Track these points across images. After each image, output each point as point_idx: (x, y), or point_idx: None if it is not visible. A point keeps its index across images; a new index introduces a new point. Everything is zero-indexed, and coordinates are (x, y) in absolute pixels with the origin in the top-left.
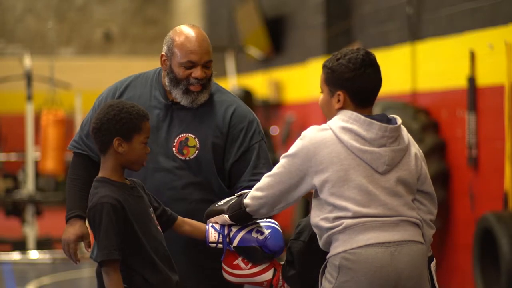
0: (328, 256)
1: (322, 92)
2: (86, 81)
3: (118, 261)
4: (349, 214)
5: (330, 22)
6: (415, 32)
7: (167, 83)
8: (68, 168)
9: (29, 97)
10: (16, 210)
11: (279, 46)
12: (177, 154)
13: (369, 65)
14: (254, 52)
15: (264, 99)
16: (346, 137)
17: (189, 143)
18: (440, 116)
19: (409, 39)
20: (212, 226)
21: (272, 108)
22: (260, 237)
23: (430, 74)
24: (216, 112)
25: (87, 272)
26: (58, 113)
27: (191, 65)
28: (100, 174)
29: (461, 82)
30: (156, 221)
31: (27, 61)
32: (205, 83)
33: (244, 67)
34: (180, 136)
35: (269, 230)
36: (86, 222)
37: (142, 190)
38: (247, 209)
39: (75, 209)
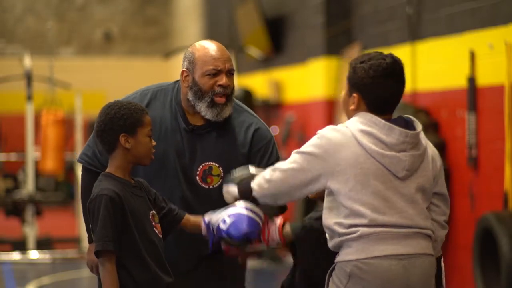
0: (337, 260)
1: (344, 88)
2: (86, 81)
3: (114, 253)
4: (365, 221)
5: (330, 22)
6: (415, 32)
7: (190, 98)
8: (80, 183)
9: (29, 97)
10: (16, 210)
11: (279, 46)
12: (200, 183)
13: (390, 74)
14: (254, 52)
15: (264, 99)
16: (365, 140)
17: (213, 172)
18: (440, 116)
19: (409, 39)
20: (204, 220)
21: (272, 108)
22: (223, 227)
23: (430, 74)
24: (237, 135)
25: (87, 272)
26: (58, 113)
27: (215, 72)
28: (106, 170)
29: (461, 82)
30: (156, 225)
31: (27, 61)
32: (229, 94)
33: (244, 67)
34: (203, 164)
35: (231, 219)
36: None
37: (146, 191)
38: (253, 193)
39: None
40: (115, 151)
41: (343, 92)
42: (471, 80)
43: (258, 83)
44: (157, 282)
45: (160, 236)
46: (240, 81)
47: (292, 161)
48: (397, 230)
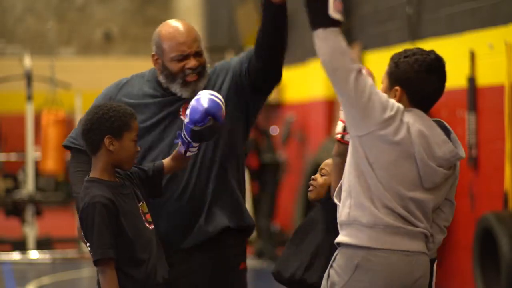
0: (343, 241)
1: (382, 83)
2: (86, 81)
3: (113, 260)
4: (388, 203)
5: None
6: (415, 32)
7: (163, 80)
8: (69, 166)
9: (29, 97)
10: (16, 210)
11: None
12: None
13: (434, 71)
14: None
15: None
16: (418, 142)
17: None
18: (440, 116)
19: (409, 39)
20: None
21: (272, 108)
22: (186, 120)
23: None
24: (218, 80)
25: (87, 272)
26: (59, 113)
27: (182, 57)
28: (91, 175)
29: (461, 82)
30: (146, 216)
31: (27, 61)
32: (201, 71)
33: None
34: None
35: (189, 108)
36: None
37: (128, 178)
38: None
39: None
40: (99, 152)
41: (381, 86)
42: (471, 80)
43: None
44: (154, 280)
45: (152, 227)
46: None
47: (367, 93)
48: (408, 228)
